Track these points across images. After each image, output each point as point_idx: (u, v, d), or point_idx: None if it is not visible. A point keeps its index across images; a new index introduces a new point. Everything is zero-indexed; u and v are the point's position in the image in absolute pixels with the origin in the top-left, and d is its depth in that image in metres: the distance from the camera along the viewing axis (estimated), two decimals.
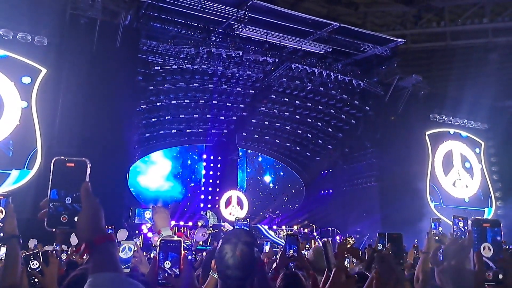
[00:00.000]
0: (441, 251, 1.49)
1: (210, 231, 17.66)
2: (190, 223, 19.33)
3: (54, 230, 1.29)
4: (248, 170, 26.92)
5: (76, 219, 1.27)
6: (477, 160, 25.23)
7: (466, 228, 2.55)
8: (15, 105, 16.12)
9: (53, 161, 1.30)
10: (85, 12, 16.14)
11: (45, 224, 1.28)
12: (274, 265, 3.62)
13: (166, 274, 1.80)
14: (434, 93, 22.79)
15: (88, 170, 1.31)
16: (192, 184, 24.81)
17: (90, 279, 1.21)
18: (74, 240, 8.16)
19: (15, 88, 15.98)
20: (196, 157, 25.44)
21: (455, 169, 24.67)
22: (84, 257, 5.86)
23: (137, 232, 14.76)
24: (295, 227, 21.65)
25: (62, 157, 1.31)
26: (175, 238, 1.90)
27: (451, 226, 2.59)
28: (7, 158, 15.84)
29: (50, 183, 1.29)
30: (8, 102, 16.09)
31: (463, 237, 2.43)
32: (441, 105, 23.56)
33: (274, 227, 21.38)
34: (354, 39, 20.40)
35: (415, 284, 3.04)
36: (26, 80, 16.06)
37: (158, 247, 1.84)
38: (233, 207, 23.09)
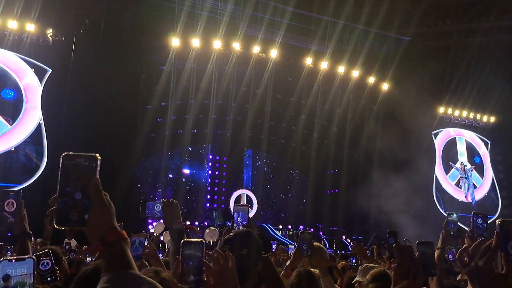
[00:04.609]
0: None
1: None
2: (197, 223, 19.45)
3: (63, 228, 1.24)
4: (254, 171, 26.89)
5: (86, 216, 1.23)
6: (488, 154, 24.38)
7: (485, 225, 2.51)
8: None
9: (62, 157, 1.26)
10: (89, 12, 16.16)
11: (54, 222, 1.23)
12: (288, 262, 3.61)
13: (191, 277, 1.79)
14: (440, 92, 22.69)
15: (98, 166, 1.27)
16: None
17: (104, 277, 1.19)
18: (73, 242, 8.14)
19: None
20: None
21: (460, 164, 23.58)
22: (90, 256, 5.83)
23: (143, 231, 14.74)
24: (301, 227, 21.63)
25: (71, 152, 1.27)
26: (198, 239, 1.89)
27: (470, 223, 2.54)
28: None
29: (59, 179, 1.24)
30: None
31: (484, 234, 2.39)
32: (447, 104, 23.47)
33: (280, 226, 21.38)
34: (359, 37, 20.34)
35: (430, 282, 2.99)
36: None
37: (181, 248, 1.82)
38: None
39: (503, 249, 1.35)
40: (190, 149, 24.35)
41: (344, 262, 7.15)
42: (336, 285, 3.88)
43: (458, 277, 3.73)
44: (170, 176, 24.56)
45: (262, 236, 2.57)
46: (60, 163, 1.25)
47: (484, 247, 1.39)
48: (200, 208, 23.71)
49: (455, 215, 3.18)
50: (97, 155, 1.27)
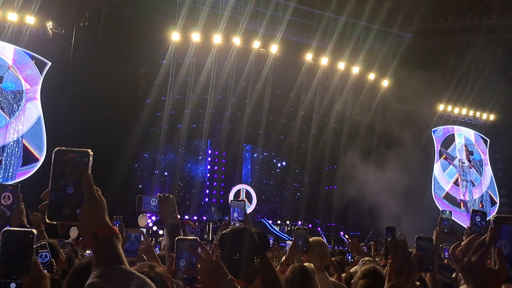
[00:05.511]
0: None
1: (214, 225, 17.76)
2: (195, 217, 19.51)
3: (55, 223, 1.25)
4: (255, 166, 26.90)
5: (78, 211, 1.23)
6: (487, 152, 24.32)
7: (483, 223, 2.51)
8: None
9: (54, 152, 1.26)
10: (90, 5, 16.13)
11: (46, 216, 1.24)
12: (283, 258, 3.62)
13: (184, 276, 1.82)
14: (441, 89, 22.66)
15: (91, 161, 1.27)
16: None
17: (94, 272, 1.19)
18: (73, 233, 8.15)
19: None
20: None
21: (458, 162, 23.50)
22: (87, 250, 5.83)
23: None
24: (299, 222, 21.66)
25: (64, 147, 1.27)
26: (192, 237, 1.91)
27: (470, 220, 2.55)
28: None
29: (51, 174, 1.25)
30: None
31: (482, 231, 2.39)
32: (447, 101, 23.46)
33: (278, 221, 21.40)
34: (361, 33, 20.29)
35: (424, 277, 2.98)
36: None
37: (175, 246, 1.83)
38: None
39: (496, 245, 1.35)
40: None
41: (334, 258, 7.16)
42: (332, 279, 3.89)
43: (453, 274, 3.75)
44: (168, 170, 24.55)
45: (261, 233, 2.57)
46: (53, 158, 1.25)
47: (478, 243, 1.38)
48: (198, 203, 23.72)
49: (448, 213, 3.19)
50: (89, 150, 1.28)
